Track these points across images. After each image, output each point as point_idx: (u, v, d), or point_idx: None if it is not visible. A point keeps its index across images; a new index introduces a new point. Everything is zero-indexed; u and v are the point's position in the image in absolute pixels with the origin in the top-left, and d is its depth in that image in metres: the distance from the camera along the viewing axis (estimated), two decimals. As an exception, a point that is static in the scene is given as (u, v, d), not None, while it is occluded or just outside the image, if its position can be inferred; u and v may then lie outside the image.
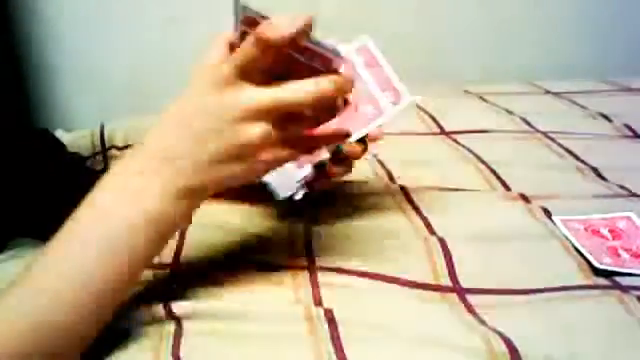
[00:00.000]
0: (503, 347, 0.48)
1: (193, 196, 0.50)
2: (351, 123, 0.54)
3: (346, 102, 0.51)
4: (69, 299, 0.46)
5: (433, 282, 0.58)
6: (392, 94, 0.54)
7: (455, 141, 0.90)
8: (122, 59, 1.28)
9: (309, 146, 0.53)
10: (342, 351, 0.48)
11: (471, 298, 0.56)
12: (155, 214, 0.48)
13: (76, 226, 0.49)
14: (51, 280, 0.47)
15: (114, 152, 0.91)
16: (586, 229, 0.66)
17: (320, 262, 0.60)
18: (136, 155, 0.51)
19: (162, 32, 1.27)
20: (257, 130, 0.48)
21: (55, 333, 0.46)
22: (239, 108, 0.48)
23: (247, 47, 0.47)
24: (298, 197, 0.59)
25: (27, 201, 0.67)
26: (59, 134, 0.98)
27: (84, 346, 0.48)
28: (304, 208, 0.68)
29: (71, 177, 0.73)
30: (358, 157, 0.61)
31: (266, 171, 0.52)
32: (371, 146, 0.62)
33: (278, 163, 0.51)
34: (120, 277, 0.49)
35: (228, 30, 0.52)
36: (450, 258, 0.60)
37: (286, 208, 0.69)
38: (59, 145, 0.78)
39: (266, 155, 0.49)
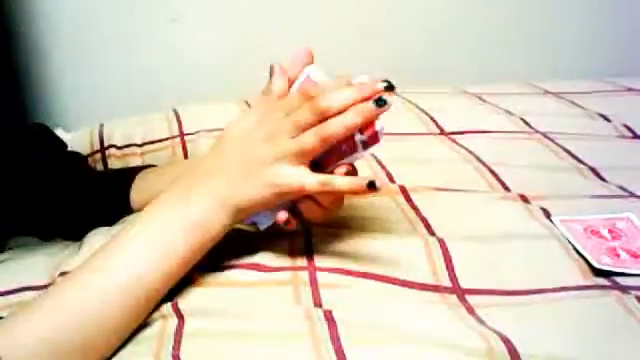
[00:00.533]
0: (503, 347, 0.48)
1: (237, 212, 0.56)
2: (325, 156, 0.56)
3: None
4: (114, 299, 0.50)
5: (433, 282, 0.58)
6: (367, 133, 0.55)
7: (454, 141, 0.90)
8: (123, 59, 1.28)
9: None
10: (342, 352, 0.48)
11: (471, 298, 0.56)
12: (201, 222, 0.54)
13: (128, 230, 0.53)
14: (99, 279, 0.50)
15: (113, 151, 0.91)
16: (585, 229, 0.66)
17: (320, 263, 0.60)
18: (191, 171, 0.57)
19: (163, 32, 1.27)
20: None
21: (95, 329, 0.49)
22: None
23: (309, 138, 0.54)
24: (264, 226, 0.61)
25: (27, 200, 0.67)
26: (59, 133, 0.98)
27: (117, 344, 0.50)
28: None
29: (72, 176, 0.73)
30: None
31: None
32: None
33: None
34: (164, 280, 0.53)
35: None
36: (450, 258, 0.60)
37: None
38: (60, 143, 0.78)
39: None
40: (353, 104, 0.53)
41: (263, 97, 0.58)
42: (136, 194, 0.73)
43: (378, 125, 0.54)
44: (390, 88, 0.54)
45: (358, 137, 0.55)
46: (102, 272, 0.51)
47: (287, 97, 0.57)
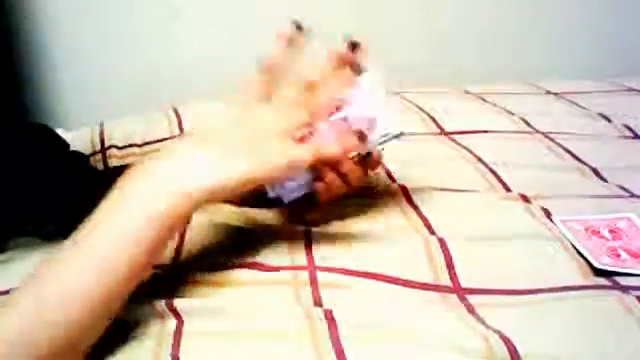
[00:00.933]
0: (503, 347, 0.48)
1: (198, 200, 0.53)
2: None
3: None
4: (78, 293, 0.48)
5: (433, 282, 0.58)
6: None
7: (455, 141, 0.90)
8: (123, 56, 1.28)
9: None
10: (342, 351, 0.48)
11: (471, 298, 0.56)
12: (170, 210, 0.51)
13: (98, 216, 0.51)
14: (65, 272, 0.49)
15: (114, 152, 0.91)
16: (586, 229, 0.66)
17: (320, 262, 0.60)
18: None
19: (163, 29, 1.27)
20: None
21: (67, 327, 0.47)
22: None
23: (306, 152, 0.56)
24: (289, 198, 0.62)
25: (28, 199, 0.67)
26: (59, 133, 0.98)
27: (91, 343, 0.49)
28: (304, 208, 0.68)
29: (73, 176, 0.73)
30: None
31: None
32: None
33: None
34: (134, 268, 0.50)
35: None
36: (450, 258, 0.60)
37: (286, 209, 0.69)
38: (62, 143, 0.78)
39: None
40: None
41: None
42: None
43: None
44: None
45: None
46: (67, 264, 0.49)
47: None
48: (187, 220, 0.55)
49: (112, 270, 0.49)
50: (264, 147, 0.55)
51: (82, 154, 0.80)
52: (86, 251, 0.50)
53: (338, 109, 0.59)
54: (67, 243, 0.50)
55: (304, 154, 0.56)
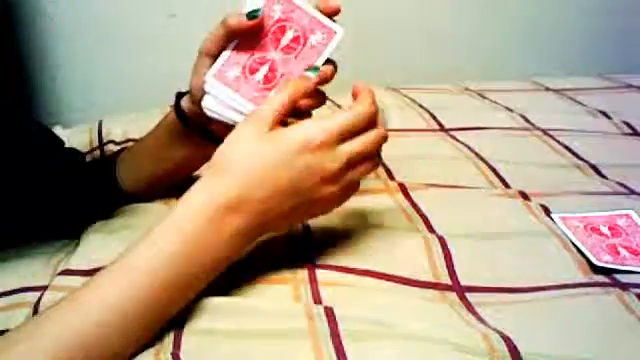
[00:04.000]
0: (503, 345, 0.48)
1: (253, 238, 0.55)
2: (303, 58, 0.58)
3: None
4: (118, 326, 0.48)
5: (432, 280, 0.58)
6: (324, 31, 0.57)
7: (455, 138, 0.90)
8: (122, 54, 1.27)
9: None
10: (342, 349, 0.48)
11: (471, 296, 0.56)
12: (218, 260, 0.52)
13: (133, 261, 0.50)
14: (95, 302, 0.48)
15: (112, 147, 0.91)
16: (585, 227, 0.66)
17: (320, 260, 0.60)
18: (204, 198, 0.52)
19: (162, 27, 1.27)
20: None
21: (99, 354, 0.47)
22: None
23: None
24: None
25: (25, 199, 0.67)
26: (58, 131, 0.98)
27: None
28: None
29: (69, 174, 0.73)
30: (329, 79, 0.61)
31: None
32: None
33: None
34: (170, 309, 0.51)
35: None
36: (450, 256, 0.60)
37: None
38: (57, 141, 0.78)
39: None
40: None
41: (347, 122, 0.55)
42: (123, 175, 0.73)
43: None
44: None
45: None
46: (98, 293, 0.48)
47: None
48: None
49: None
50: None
51: (77, 151, 0.80)
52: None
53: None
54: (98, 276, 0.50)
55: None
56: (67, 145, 0.79)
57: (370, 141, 0.55)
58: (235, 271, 0.57)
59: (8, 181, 0.64)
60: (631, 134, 0.93)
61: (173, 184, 0.71)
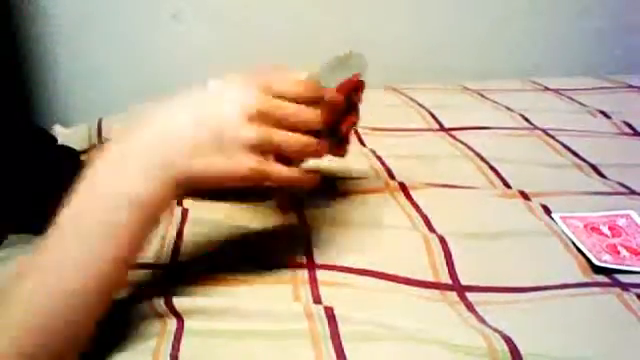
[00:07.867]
0: (503, 345, 0.48)
1: (179, 184, 0.51)
2: None
3: None
4: (71, 287, 0.47)
5: (433, 280, 0.58)
6: None
7: (454, 138, 0.90)
8: (123, 54, 1.27)
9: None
10: (342, 349, 0.48)
11: (471, 296, 0.56)
12: (145, 196, 0.49)
13: (73, 209, 0.49)
14: (52, 270, 0.47)
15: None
16: (586, 226, 0.66)
17: (319, 260, 0.60)
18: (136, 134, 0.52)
19: (164, 27, 1.27)
20: (254, 131, 0.50)
21: (59, 325, 0.46)
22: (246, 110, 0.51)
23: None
24: None
25: (19, 197, 0.67)
26: (57, 129, 0.98)
27: (85, 339, 0.48)
28: (303, 206, 0.68)
29: (63, 172, 0.73)
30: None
31: (250, 178, 0.52)
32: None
33: (261, 174, 0.51)
34: (119, 258, 0.49)
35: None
36: (450, 256, 0.60)
37: (286, 206, 0.69)
38: (51, 140, 0.78)
39: (255, 160, 0.50)
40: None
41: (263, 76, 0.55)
42: None
43: None
44: None
45: None
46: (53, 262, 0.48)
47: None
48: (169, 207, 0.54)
49: (95, 266, 0.48)
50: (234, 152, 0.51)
51: (72, 149, 0.80)
52: (70, 243, 0.48)
53: None
54: (50, 237, 0.48)
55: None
56: (67, 145, 0.79)
57: (294, 139, 0.52)
58: (235, 271, 0.57)
59: (5, 180, 0.64)
60: (631, 134, 0.93)
61: None
